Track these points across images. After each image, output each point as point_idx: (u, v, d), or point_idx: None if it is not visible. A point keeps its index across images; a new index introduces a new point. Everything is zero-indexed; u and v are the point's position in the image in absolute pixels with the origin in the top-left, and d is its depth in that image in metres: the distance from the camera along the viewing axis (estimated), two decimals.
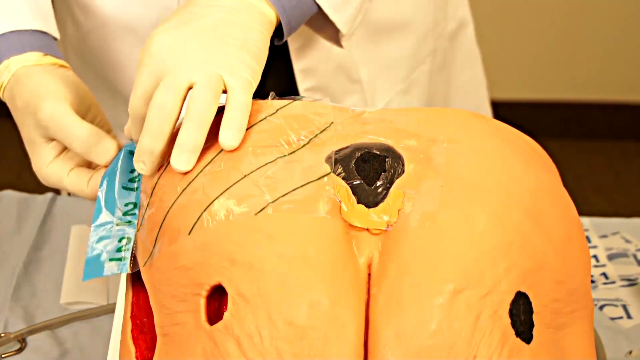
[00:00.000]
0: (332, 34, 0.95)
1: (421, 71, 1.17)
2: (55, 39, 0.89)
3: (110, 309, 0.92)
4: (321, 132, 0.73)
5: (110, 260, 0.73)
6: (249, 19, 0.78)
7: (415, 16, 1.14)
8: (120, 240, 0.74)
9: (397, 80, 1.15)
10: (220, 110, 0.73)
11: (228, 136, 0.70)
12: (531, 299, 0.65)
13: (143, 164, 0.72)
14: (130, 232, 0.74)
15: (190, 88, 0.72)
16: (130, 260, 0.72)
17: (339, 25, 0.91)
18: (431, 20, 1.16)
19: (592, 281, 0.99)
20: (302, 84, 1.06)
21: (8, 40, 0.85)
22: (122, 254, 0.73)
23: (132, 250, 0.73)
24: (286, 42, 1.03)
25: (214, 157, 0.70)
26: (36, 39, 0.86)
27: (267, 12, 0.81)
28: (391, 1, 1.10)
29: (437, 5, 1.17)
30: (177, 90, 0.71)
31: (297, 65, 1.05)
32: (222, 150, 0.71)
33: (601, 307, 0.96)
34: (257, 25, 0.78)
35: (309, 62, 1.06)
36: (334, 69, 1.08)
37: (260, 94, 0.76)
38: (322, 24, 0.93)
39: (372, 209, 0.66)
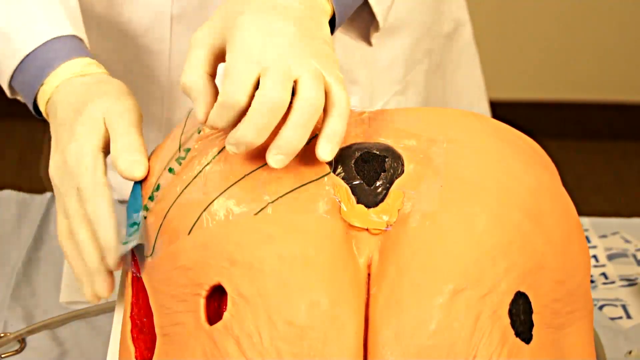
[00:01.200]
0: (361, 31, 0.91)
1: (418, 71, 1.17)
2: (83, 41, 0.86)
3: (109, 308, 0.92)
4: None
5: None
6: (317, 12, 0.74)
7: (411, 17, 1.13)
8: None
9: (394, 80, 1.15)
10: None
11: (327, 151, 0.67)
12: (531, 299, 0.65)
13: (235, 149, 0.67)
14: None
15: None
16: (132, 258, 0.72)
17: (379, 17, 0.87)
18: (426, 20, 1.16)
19: (592, 281, 0.99)
20: None
21: (51, 47, 0.82)
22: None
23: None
24: None
25: (213, 157, 0.70)
26: (76, 44, 0.83)
27: (326, 6, 0.76)
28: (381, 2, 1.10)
29: (432, 6, 1.17)
30: (288, 85, 0.65)
31: None
32: (222, 149, 0.71)
33: (601, 307, 0.96)
34: (324, 19, 0.74)
35: None
36: None
37: None
38: (352, 19, 0.90)
39: (371, 209, 0.66)
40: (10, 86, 0.85)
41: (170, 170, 0.71)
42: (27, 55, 0.81)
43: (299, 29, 0.69)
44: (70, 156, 0.74)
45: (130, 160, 0.73)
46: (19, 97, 0.87)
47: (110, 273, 0.72)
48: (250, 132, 0.66)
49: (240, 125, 0.66)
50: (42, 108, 0.81)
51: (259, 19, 0.68)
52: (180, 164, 0.71)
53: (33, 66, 0.81)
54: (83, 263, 0.73)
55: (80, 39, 0.84)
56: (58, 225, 0.75)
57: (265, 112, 0.65)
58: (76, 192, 0.73)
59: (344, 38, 1.03)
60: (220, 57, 0.70)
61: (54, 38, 0.82)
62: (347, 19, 0.89)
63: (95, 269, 0.72)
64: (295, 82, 0.66)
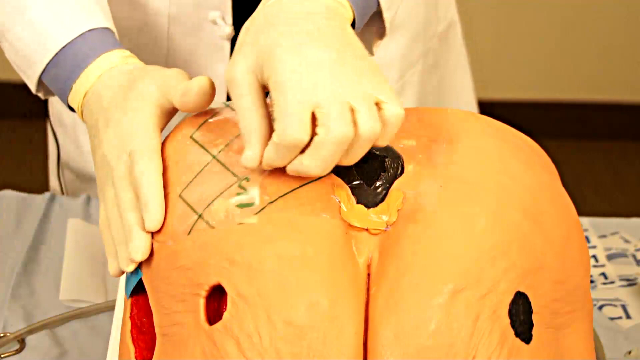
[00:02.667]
0: (366, 37, 0.90)
1: (413, 72, 1.17)
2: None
3: (108, 307, 0.92)
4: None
5: None
6: (344, 21, 0.73)
7: (407, 18, 1.14)
8: None
9: (390, 81, 1.15)
10: None
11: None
12: (530, 299, 0.65)
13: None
14: None
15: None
16: None
17: (387, 23, 0.86)
18: (422, 21, 1.16)
19: (592, 281, 0.99)
20: None
21: (88, 39, 0.80)
22: None
23: None
24: None
25: (213, 157, 0.70)
26: (110, 36, 0.82)
27: (347, 13, 0.76)
28: (387, 4, 1.10)
29: (428, 7, 1.17)
30: (348, 118, 0.65)
31: None
32: (222, 150, 0.71)
33: (600, 307, 0.96)
34: (349, 27, 0.73)
35: None
36: None
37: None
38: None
39: (371, 209, 0.66)
40: (39, 81, 0.84)
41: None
42: (63, 48, 0.80)
43: (339, 53, 0.68)
44: (125, 126, 0.73)
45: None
46: (40, 94, 0.86)
47: (148, 237, 0.70)
48: (316, 166, 0.65)
49: (304, 159, 0.65)
50: (77, 99, 0.79)
51: (298, 50, 0.66)
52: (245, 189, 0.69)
53: (69, 58, 0.80)
54: (121, 228, 0.71)
55: (113, 32, 0.83)
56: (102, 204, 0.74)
57: (331, 146, 0.65)
58: (127, 157, 0.72)
59: None
60: (263, 90, 0.69)
61: (89, 30, 0.80)
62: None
63: (133, 230, 0.70)
64: (352, 110, 0.66)
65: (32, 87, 0.86)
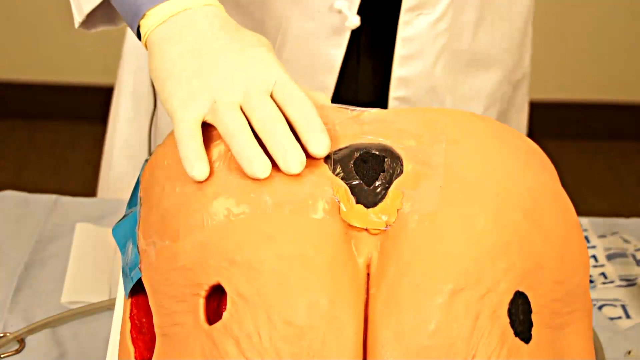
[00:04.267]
0: None
1: (492, 112, 1.17)
2: None
3: (108, 306, 0.92)
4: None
5: None
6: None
7: (505, 55, 1.14)
8: None
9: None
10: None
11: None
12: (530, 299, 0.65)
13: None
14: None
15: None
16: None
17: None
18: (512, 63, 1.16)
19: (591, 281, 0.99)
20: (394, 91, 1.07)
21: None
22: None
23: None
24: (393, 48, 1.04)
25: (213, 158, 0.70)
26: None
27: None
28: (491, 35, 1.11)
29: (519, 50, 1.17)
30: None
31: (397, 72, 1.06)
32: (221, 150, 0.71)
33: (600, 307, 0.96)
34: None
35: (409, 71, 1.06)
36: (427, 87, 1.08)
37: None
38: None
39: (371, 209, 0.67)
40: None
41: None
42: None
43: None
44: (252, 56, 0.73)
45: None
46: (83, 26, 0.86)
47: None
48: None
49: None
50: (153, 23, 0.76)
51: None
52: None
53: None
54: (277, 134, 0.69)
55: None
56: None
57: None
58: (268, 80, 0.72)
59: (448, 60, 1.06)
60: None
61: None
62: None
63: (289, 143, 0.68)
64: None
65: (84, 11, 0.85)
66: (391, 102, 1.07)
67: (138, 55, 1.22)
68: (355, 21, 1.02)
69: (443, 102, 1.10)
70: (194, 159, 0.68)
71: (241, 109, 0.70)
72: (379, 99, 1.08)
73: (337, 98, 1.08)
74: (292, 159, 0.67)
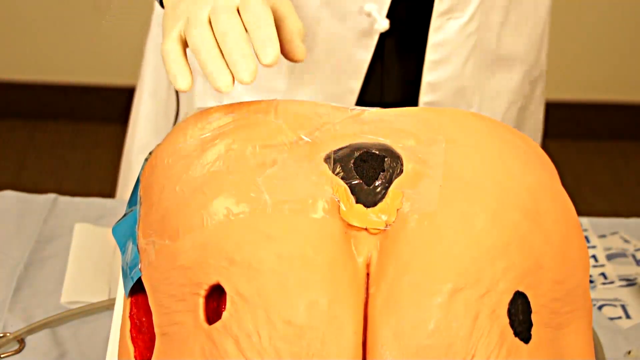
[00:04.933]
0: None
1: (513, 110, 1.17)
2: None
3: (108, 305, 0.92)
4: (320, 131, 0.73)
5: None
6: None
7: (527, 54, 1.14)
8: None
9: (496, 112, 1.15)
10: None
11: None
12: (530, 299, 0.65)
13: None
14: None
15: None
16: None
17: None
18: (534, 61, 1.17)
19: (591, 281, 0.99)
20: (424, 96, 1.07)
21: None
22: None
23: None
24: (424, 54, 1.05)
25: (213, 158, 0.70)
26: None
27: None
28: (515, 34, 1.11)
29: (537, 49, 1.17)
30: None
31: (427, 77, 1.06)
32: (221, 150, 0.71)
33: (600, 307, 0.96)
34: None
35: (439, 75, 1.07)
36: (456, 89, 1.09)
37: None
38: None
39: (370, 209, 0.66)
40: None
41: None
42: None
43: None
44: None
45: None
46: None
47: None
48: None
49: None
50: None
51: None
52: None
53: None
54: (237, 45, 0.73)
55: None
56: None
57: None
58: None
59: (476, 61, 1.06)
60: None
61: None
62: None
63: (240, 54, 0.72)
64: None
65: None
66: (421, 106, 1.07)
67: (158, 55, 1.22)
68: (384, 24, 1.02)
69: (470, 103, 1.11)
70: (177, 73, 0.74)
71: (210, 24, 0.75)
72: (407, 104, 1.08)
73: (361, 102, 1.08)
74: (241, 69, 0.72)
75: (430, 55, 1.05)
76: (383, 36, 1.04)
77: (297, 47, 0.79)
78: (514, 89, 1.15)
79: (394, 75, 1.08)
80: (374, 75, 1.08)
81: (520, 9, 1.10)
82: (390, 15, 1.02)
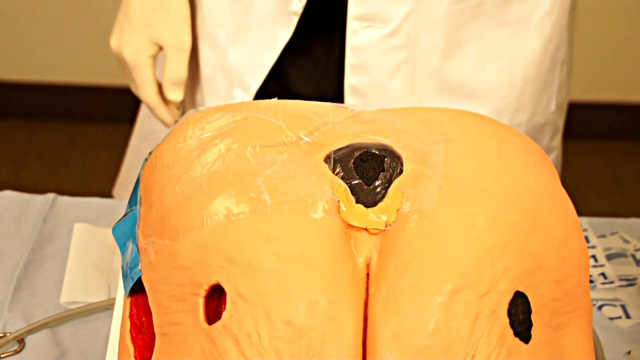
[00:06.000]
0: None
1: None
2: None
3: (108, 305, 0.92)
4: (320, 131, 0.73)
5: None
6: None
7: (498, 90, 1.08)
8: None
9: None
10: None
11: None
12: (530, 299, 0.65)
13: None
14: None
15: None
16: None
17: None
18: (515, 102, 1.10)
19: (591, 281, 0.99)
20: (348, 98, 1.07)
21: None
22: None
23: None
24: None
25: (213, 158, 0.70)
26: None
27: None
28: (476, 66, 1.07)
29: (529, 92, 1.10)
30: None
31: (349, 79, 1.06)
32: (221, 150, 0.71)
33: (600, 307, 0.96)
34: None
35: (361, 81, 1.06)
36: (386, 102, 1.07)
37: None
38: None
39: (370, 209, 0.66)
40: None
41: None
42: None
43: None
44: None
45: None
46: None
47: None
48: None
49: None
50: None
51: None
52: None
53: None
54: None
55: None
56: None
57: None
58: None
59: (420, 81, 1.05)
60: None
61: None
62: None
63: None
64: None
65: None
66: (347, 98, 1.07)
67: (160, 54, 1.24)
68: (297, 7, 1.02)
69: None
70: (162, 118, 1.09)
71: None
72: (333, 90, 1.08)
73: (278, 79, 1.08)
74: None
75: (349, 57, 1.04)
76: (306, 20, 1.04)
77: (167, 92, 1.06)
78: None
79: (315, 59, 1.08)
80: (293, 56, 1.08)
81: (485, 42, 1.05)
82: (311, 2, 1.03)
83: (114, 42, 1.08)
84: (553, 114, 1.16)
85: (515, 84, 1.09)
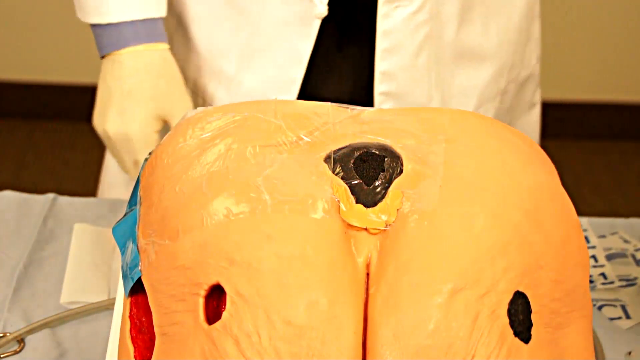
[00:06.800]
0: None
1: (488, 108, 1.16)
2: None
3: (108, 305, 0.92)
4: (320, 131, 0.73)
5: None
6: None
7: (499, 50, 1.13)
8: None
9: (464, 109, 1.14)
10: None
11: None
12: (530, 299, 0.65)
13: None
14: None
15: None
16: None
17: None
18: (510, 59, 1.15)
19: (591, 281, 0.99)
20: (379, 86, 1.07)
21: (122, 31, 1.00)
22: None
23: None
24: (374, 43, 1.05)
25: (213, 158, 0.71)
26: (144, 27, 0.99)
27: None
28: (482, 29, 1.10)
29: (518, 46, 1.16)
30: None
31: (380, 66, 1.06)
32: (221, 150, 0.71)
33: (600, 308, 0.96)
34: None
35: (392, 64, 1.06)
36: (411, 80, 1.08)
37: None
38: None
39: (370, 209, 0.66)
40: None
41: None
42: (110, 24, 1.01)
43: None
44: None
45: None
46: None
47: None
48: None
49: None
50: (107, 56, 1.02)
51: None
52: None
53: (113, 35, 1.02)
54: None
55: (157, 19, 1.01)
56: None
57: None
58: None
59: (431, 53, 1.06)
60: None
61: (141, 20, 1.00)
62: None
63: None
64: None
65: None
66: (377, 97, 1.07)
67: None
68: (322, 10, 1.02)
69: (431, 96, 1.10)
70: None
71: None
72: (364, 95, 1.08)
73: (308, 92, 1.08)
74: None
75: (380, 43, 1.04)
76: (329, 24, 1.04)
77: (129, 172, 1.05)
78: (484, 88, 1.13)
79: (348, 65, 1.08)
80: (325, 65, 1.07)
81: (487, 4, 1.09)
82: (333, 2, 1.02)
83: (111, 124, 1.01)
84: (535, 66, 1.21)
85: (511, 41, 1.14)
